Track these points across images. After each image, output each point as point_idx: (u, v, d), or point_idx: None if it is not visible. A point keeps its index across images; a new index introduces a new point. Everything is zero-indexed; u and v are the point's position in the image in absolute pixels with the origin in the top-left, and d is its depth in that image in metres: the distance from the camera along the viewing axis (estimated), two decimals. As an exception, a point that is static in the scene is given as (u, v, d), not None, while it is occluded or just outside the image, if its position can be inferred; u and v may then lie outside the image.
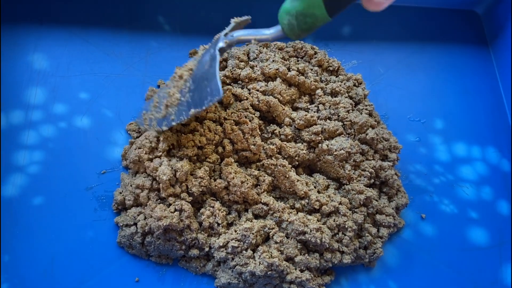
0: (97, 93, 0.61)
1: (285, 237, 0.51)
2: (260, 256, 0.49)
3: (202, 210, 0.52)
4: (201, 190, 0.52)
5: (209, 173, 0.53)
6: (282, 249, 0.50)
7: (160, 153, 0.53)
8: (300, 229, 0.50)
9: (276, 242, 0.50)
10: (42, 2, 0.65)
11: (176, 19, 0.68)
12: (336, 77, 0.62)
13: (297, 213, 0.52)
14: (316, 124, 0.57)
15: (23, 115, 0.58)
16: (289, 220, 0.51)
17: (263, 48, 0.62)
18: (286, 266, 0.49)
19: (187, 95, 0.50)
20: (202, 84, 0.48)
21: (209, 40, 0.67)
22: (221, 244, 0.50)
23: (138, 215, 0.52)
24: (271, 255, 0.49)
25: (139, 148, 0.53)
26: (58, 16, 0.65)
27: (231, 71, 0.59)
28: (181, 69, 0.53)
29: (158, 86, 0.62)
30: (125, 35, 0.65)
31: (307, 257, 0.50)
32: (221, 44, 0.49)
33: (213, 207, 0.52)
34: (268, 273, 0.49)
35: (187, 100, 0.49)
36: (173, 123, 0.50)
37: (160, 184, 0.50)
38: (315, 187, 0.55)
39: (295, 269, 0.50)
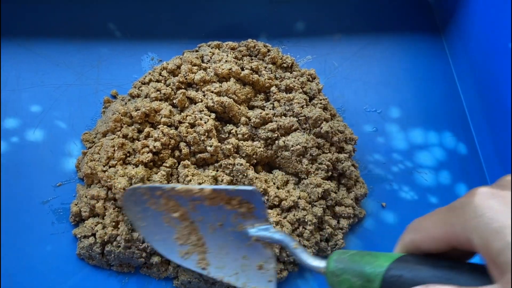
0: (48, 105, 0.60)
1: None
2: None
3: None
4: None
5: (167, 177, 0.53)
6: None
7: (116, 162, 0.52)
8: (260, 225, 0.50)
9: None
10: (-13, 15, 0.64)
11: (127, 24, 0.67)
12: (290, 73, 0.62)
13: (257, 209, 0.52)
14: (272, 121, 0.57)
15: (-27, 133, 0.57)
16: (249, 217, 0.51)
17: (216, 49, 0.62)
18: None
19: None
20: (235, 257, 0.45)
21: (161, 44, 0.66)
22: (181, 247, 0.50)
23: (95, 225, 0.51)
24: None
25: (92, 160, 0.52)
26: (3, 27, 0.63)
27: (184, 76, 0.58)
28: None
29: (113, 96, 0.62)
30: (75, 44, 0.64)
31: None
32: (254, 235, 0.43)
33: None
34: None
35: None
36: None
37: (116, 195, 0.50)
38: (274, 184, 0.55)
39: None
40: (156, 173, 0.52)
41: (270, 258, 0.44)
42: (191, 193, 0.43)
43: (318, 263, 0.37)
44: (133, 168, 0.52)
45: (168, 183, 0.52)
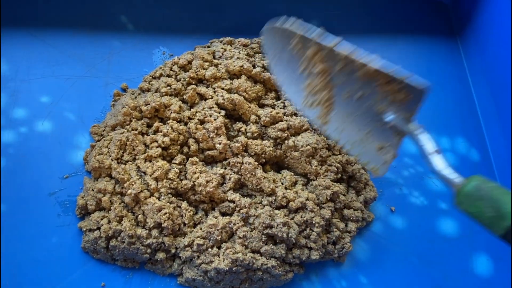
0: (58, 96, 0.59)
1: (249, 231, 0.50)
2: (224, 252, 0.49)
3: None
4: (169, 192, 0.51)
5: (178, 174, 0.53)
6: (246, 243, 0.50)
7: (128, 157, 0.52)
8: (267, 222, 0.49)
9: (239, 237, 0.50)
10: None
11: (140, 18, 0.66)
12: (302, 72, 0.62)
13: (264, 207, 0.52)
14: (282, 121, 0.56)
15: (-18, 121, 0.57)
16: (255, 214, 0.50)
17: (228, 45, 0.62)
18: (251, 257, 0.49)
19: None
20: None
21: (172, 39, 0.66)
22: (186, 243, 0.50)
23: (101, 219, 0.51)
24: (235, 251, 0.49)
25: (100, 154, 0.52)
26: (17, 17, 0.63)
27: (195, 72, 0.58)
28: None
29: (123, 89, 0.61)
30: (87, 36, 0.64)
31: (272, 247, 0.50)
32: (409, 129, 0.40)
33: (180, 207, 0.52)
34: (234, 268, 0.48)
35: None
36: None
37: (128, 192, 0.50)
38: (282, 184, 0.54)
39: (261, 257, 0.50)
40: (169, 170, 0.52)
41: (395, 145, 0.42)
42: (349, 62, 0.39)
43: (455, 177, 0.37)
44: (144, 161, 0.52)
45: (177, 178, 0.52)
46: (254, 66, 0.59)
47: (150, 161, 0.52)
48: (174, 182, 0.51)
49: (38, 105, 0.58)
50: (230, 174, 0.53)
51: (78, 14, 0.65)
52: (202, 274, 0.50)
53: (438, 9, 0.76)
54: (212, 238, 0.49)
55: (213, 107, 0.56)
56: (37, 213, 0.53)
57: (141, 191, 0.50)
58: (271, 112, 0.56)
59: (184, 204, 0.52)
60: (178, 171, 0.52)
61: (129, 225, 0.49)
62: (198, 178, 0.51)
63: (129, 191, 0.50)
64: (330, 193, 0.53)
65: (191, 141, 0.54)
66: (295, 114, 0.57)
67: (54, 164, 0.56)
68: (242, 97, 0.56)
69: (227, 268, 0.48)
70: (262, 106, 0.59)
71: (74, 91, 0.60)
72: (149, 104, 0.54)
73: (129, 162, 0.52)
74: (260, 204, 0.53)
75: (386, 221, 0.58)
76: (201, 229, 0.51)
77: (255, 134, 0.55)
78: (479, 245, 0.58)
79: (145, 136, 0.54)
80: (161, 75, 0.60)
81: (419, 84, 0.38)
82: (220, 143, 0.53)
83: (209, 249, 0.49)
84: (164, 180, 0.51)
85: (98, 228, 0.51)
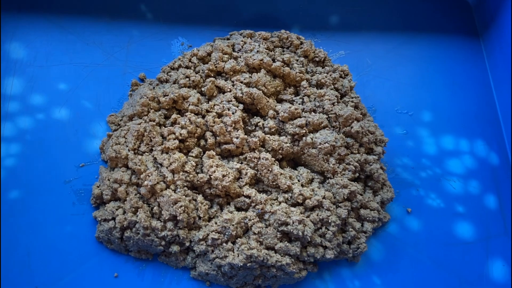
0: (76, 83, 0.59)
1: (265, 227, 0.50)
2: (238, 248, 0.48)
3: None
4: (185, 184, 0.51)
5: (195, 167, 0.52)
6: (261, 239, 0.49)
7: (145, 148, 0.52)
8: (282, 219, 0.49)
9: (254, 233, 0.49)
10: (20, -11, 0.63)
11: (159, 7, 0.66)
12: (322, 68, 0.61)
13: (280, 204, 0.51)
14: (300, 117, 0.55)
15: (-1, 106, 0.57)
16: (271, 210, 0.50)
17: (248, 38, 0.61)
18: (266, 254, 0.48)
19: None
20: None
21: (191, 30, 0.65)
22: (201, 237, 0.49)
23: (116, 209, 0.51)
24: (250, 247, 0.48)
25: (117, 144, 0.52)
26: (36, 3, 0.63)
27: (214, 64, 0.57)
28: None
29: (140, 79, 0.61)
30: (106, 24, 0.63)
31: (287, 244, 0.49)
32: None
33: (195, 200, 0.51)
34: (248, 264, 0.48)
35: None
36: None
37: (145, 183, 0.49)
38: (299, 181, 0.54)
39: (275, 254, 0.49)
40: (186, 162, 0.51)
41: None
42: None
43: None
44: (160, 153, 0.52)
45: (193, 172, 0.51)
46: (274, 60, 0.58)
47: (167, 153, 0.52)
48: (191, 175, 0.51)
49: (55, 92, 0.58)
50: (247, 169, 0.52)
51: (97, 1, 0.64)
52: (215, 268, 0.50)
53: (461, 9, 0.74)
54: (227, 233, 0.49)
55: (231, 101, 0.55)
56: (52, 201, 0.53)
57: (157, 182, 0.50)
58: (290, 107, 0.55)
59: (200, 198, 0.51)
60: (195, 164, 0.52)
61: (144, 216, 0.49)
62: (214, 172, 0.51)
63: (145, 182, 0.49)
64: (347, 192, 0.52)
65: (208, 134, 0.54)
66: (314, 111, 0.56)
67: (70, 152, 0.55)
68: (261, 91, 0.55)
69: (241, 264, 0.47)
70: (280, 101, 0.58)
71: (92, 79, 0.60)
72: (167, 95, 0.54)
73: (146, 153, 0.52)
74: (276, 200, 0.52)
75: (402, 223, 0.57)
76: (216, 223, 0.50)
77: (273, 130, 0.55)
78: (495, 250, 0.57)
79: (163, 127, 0.53)
80: (179, 66, 0.59)
81: None
82: (237, 137, 0.53)
83: (224, 244, 0.49)
84: (181, 173, 0.51)
85: (113, 219, 0.51)
